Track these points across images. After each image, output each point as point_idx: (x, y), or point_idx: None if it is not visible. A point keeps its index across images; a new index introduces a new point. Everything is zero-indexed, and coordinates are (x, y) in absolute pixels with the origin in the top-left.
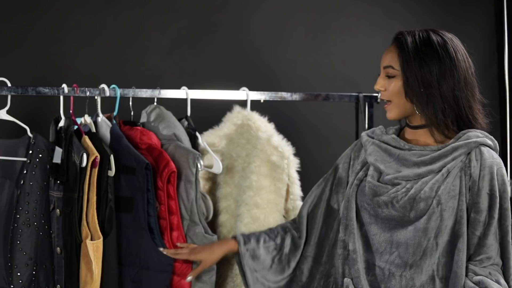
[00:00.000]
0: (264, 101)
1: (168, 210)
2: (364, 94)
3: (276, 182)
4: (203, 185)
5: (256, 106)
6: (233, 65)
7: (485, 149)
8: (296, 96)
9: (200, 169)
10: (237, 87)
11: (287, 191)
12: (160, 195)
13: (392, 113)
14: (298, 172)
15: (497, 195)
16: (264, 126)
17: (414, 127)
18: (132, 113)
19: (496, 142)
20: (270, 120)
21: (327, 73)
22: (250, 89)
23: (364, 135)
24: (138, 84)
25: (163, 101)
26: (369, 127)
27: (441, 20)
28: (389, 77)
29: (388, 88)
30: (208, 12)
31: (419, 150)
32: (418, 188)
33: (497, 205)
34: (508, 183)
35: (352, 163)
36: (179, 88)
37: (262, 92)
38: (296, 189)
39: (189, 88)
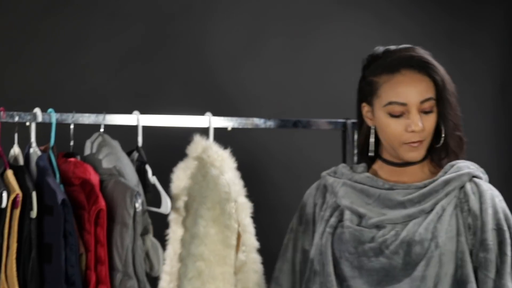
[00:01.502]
0: (232, 128)
1: (96, 259)
2: (352, 120)
3: (224, 230)
4: (175, 230)
5: (223, 134)
6: (195, 85)
7: (480, 181)
8: (270, 123)
9: (137, 209)
10: (200, 112)
11: (238, 241)
12: (88, 240)
13: (422, 153)
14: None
15: (505, 229)
16: (219, 160)
17: (404, 164)
18: (72, 143)
19: (486, 175)
20: (236, 152)
21: (308, 95)
22: (216, 114)
23: (326, 176)
24: (80, 108)
25: (110, 129)
26: (358, 160)
27: (449, 29)
28: (426, 112)
29: (427, 126)
30: (163, 21)
31: (403, 189)
32: (411, 230)
33: (508, 240)
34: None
35: (319, 209)
36: (129, 112)
37: (230, 118)
38: (249, 239)
39: (142, 112)
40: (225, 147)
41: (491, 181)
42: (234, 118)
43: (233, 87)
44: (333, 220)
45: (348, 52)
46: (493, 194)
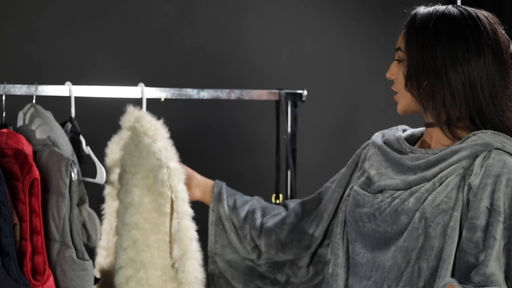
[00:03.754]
0: (166, 99)
1: (31, 229)
2: (286, 91)
3: (158, 197)
4: (110, 204)
5: (156, 105)
6: (128, 56)
7: (497, 154)
8: (204, 94)
9: (73, 178)
10: (132, 83)
11: (171, 208)
12: (23, 210)
13: (398, 105)
14: None
15: (501, 210)
16: (152, 129)
17: (427, 125)
18: (4, 114)
19: None
20: (169, 123)
21: (241, 65)
22: (149, 84)
23: (376, 134)
24: (11, 78)
25: (42, 100)
26: (292, 131)
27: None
28: (399, 61)
29: (397, 76)
30: None
31: (420, 153)
32: (404, 198)
33: (500, 224)
34: None
35: (358, 168)
36: (62, 83)
37: (162, 89)
38: (182, 205)
39: (74, 83)
40: (159, 118)
41: None
42: (167, 89)
43: (166, 57)
44: (361, 180)
45: (282, 22)
46: (502, 170)
